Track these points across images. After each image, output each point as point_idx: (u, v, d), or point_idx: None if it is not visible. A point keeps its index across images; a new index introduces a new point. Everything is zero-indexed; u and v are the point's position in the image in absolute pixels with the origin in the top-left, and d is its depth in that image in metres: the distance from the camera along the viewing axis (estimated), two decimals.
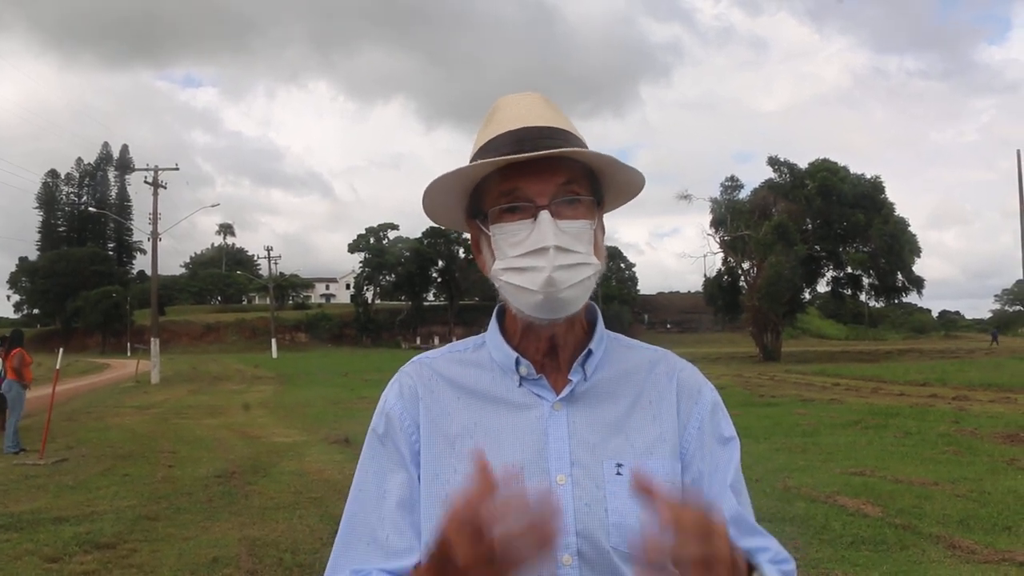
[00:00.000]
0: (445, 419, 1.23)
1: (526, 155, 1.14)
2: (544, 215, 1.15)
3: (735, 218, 53.88)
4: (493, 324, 1.29)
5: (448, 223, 1.34)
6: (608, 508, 1.14)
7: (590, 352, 1.24)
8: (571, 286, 1.15)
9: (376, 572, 1.17)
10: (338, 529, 1.23)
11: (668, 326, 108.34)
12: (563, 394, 1.21)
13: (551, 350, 1.23)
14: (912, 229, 55.81)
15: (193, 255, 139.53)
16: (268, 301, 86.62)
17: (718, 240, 55.55)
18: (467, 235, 1.32)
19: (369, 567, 1.18)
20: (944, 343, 77.66)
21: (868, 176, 55.79)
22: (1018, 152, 38.45)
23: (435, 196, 1.25)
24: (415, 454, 1.22)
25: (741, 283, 55.76)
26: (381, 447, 1.25)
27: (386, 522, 1.19)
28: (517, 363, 1.23)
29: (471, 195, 1.26)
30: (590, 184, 1.21)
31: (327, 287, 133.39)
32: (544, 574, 1.10)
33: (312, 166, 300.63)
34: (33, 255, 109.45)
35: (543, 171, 1.16)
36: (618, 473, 1.17)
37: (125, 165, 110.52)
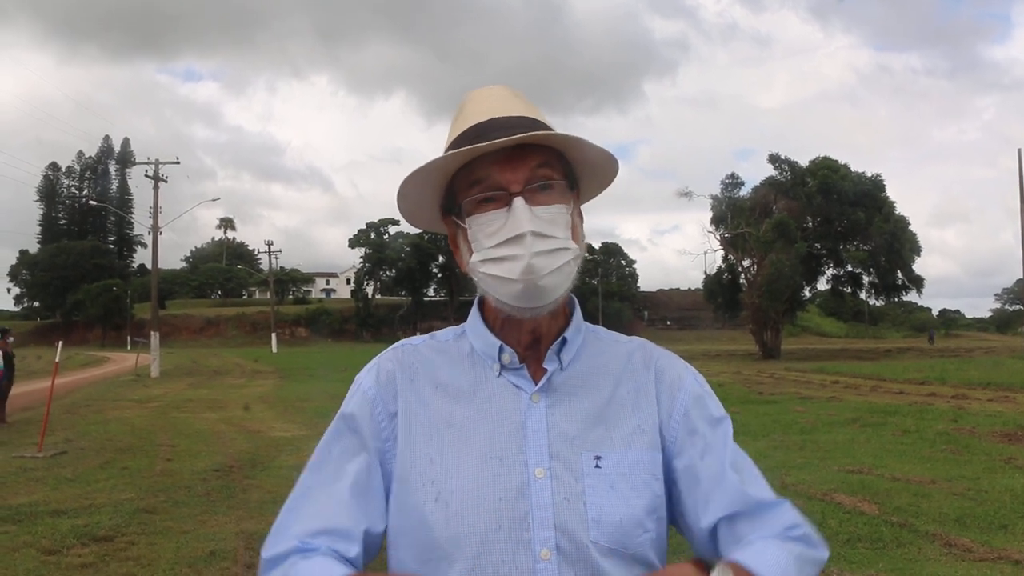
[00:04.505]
0: (423, 408, 1.21)
1: (490, 143, 1.14)
2: (518, 201, 1.14)
3: (736, 215, 53.87)
4: (475, 313, 1.28)
5: (426, 224, 1.33)
6: (587, 502, 1.14)
7: (565, 340, 1.22)
8: (551, 272, 1.13)
9: (326, 549, 1.14)
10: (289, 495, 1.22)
11: (668, 323, 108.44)
12: (540, 384, 1.20)
13: (533, 343, 1.22)
14: (913, 227, 56.09)
15: (194, 249, 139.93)
16: (268, 296, 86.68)
17: (719, 237, 55.56)
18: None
19: (318, 543, 1.15)
20: (944, 342, 77.69)
21: (869, 174, 55.92)
22: (1019, 150, 38.49)
23: (409, 196, 1.24)
24: (382, 441, 1.21)
25: (741, 280, 55.76)
26: (347, 428, 1.24)
27: (335, 502, 1.18)
28: (500, 351, 1.21)
29: (445, 192, 1.25)
30: (563, 168, 1.21)
31: (327, 282, 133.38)
32: (522, 569, 1.10)
33: (313, 161, 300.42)
34: (34, 248, 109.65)
35: (513, 159, 1.16)
36: (597, 466, 1.16)
37: (126, 158, 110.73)
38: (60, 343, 14.08)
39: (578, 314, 1.27)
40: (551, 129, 1.20)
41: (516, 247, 1.13)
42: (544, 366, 1.21)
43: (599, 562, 1.12)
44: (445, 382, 1.23)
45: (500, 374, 1.21)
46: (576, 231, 1.20)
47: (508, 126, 1.17)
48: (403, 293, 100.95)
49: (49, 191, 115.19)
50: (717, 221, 55.79)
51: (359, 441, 1.22)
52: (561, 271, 1.15)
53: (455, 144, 1.20)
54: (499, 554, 1.11)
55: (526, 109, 1.23)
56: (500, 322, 1.23)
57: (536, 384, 1.20)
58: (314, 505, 1.19)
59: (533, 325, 1.20)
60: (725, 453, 1.22)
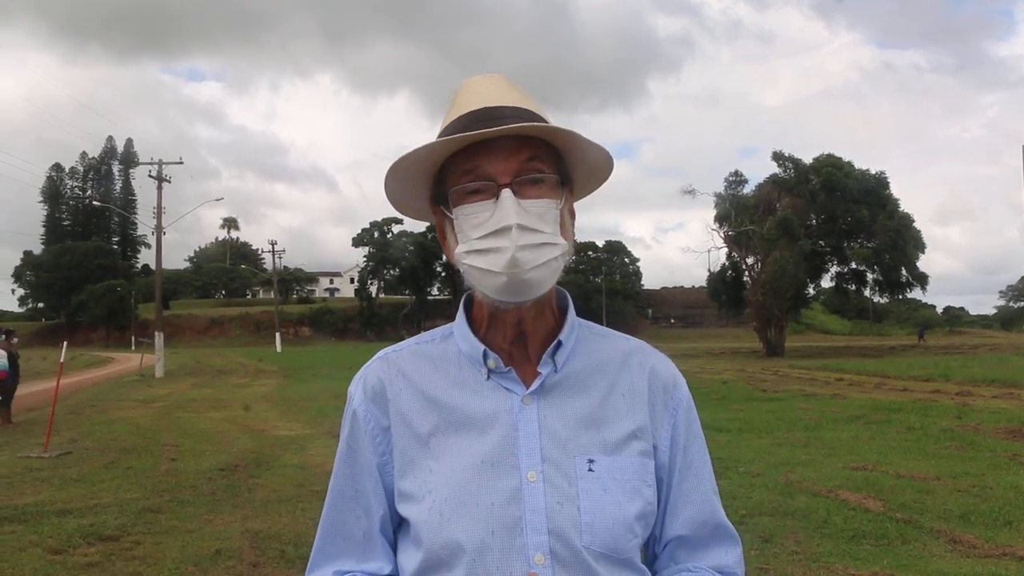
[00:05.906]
0: (414, 417, 1.20)
1: (478, 132, 1.11)
2: (506, 193, 1.11)
3: (739, 213, 53.74)
4: (460, 314, 1.25)
5: (413, 213, 1.30)
6: (581, 506, 1.12)
7: (560, 343, 1.19)
8: (536, 267, 1.11)
9: (360, 574, 1.19)
10: (318, 525, 1.26)
11: (672, 320, 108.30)
12: (533, 387, 1.17)
13: (519, 338, 1.20)
14: (917, 224, 55.80)
15: (197, 249, 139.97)
16: (272, 295, 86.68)
17: (722, 235, 55.44)
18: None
19: (350, 567, 1.20)
20: (948, 339, 77.48)
21: (873, 171, 55.70)
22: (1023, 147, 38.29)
23: (397, 183, 1.22)
24: (380, 455, 1.21)
25: (745, 278, 55.62)
26: (349, 449, 1.24)
27: (360, 523, 1.21)
28: (485, 356, 1.19)
29: (435, 181, 1.22)
30: (555, 163, 1.17)
31: (331, 281, 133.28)
32: (517, 574, 1.09)
33: (316, 160, 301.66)
34: (38, 249, 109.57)
35: (504, 149, 1.13)
36: (590, 469, 1.14)
37: (129, 159, 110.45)
38: (65, 344, 14.04)
39: (571, 312, 1.25)
40: (546, 122, 1.17)
41: (501, 239, 1.10)
42: (539, 370, 1.18)
43: (592, 566, 1.11)
44: (433, 389, 1.21)
45: (489, 377, 1.19)
46: (565, 228, 1.18)
47: (501, 116, 1.14)
48: (407, 292, 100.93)
49: (53, 192, 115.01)
50: (721, 219, 55.67)
51: (363, 459, 1.23)
52: (547, 266, 1.12)
53: (445, 131, 1.18)
54: (494, 560, 1.10)
55: (522, 100, 1.19)
56: (487, 319, 1.21)
57: (527, 386, 1.18)
58: (340, 528, 1.23)
59: (517, 318, 1.18)
60: (706, 472, 1.24)
